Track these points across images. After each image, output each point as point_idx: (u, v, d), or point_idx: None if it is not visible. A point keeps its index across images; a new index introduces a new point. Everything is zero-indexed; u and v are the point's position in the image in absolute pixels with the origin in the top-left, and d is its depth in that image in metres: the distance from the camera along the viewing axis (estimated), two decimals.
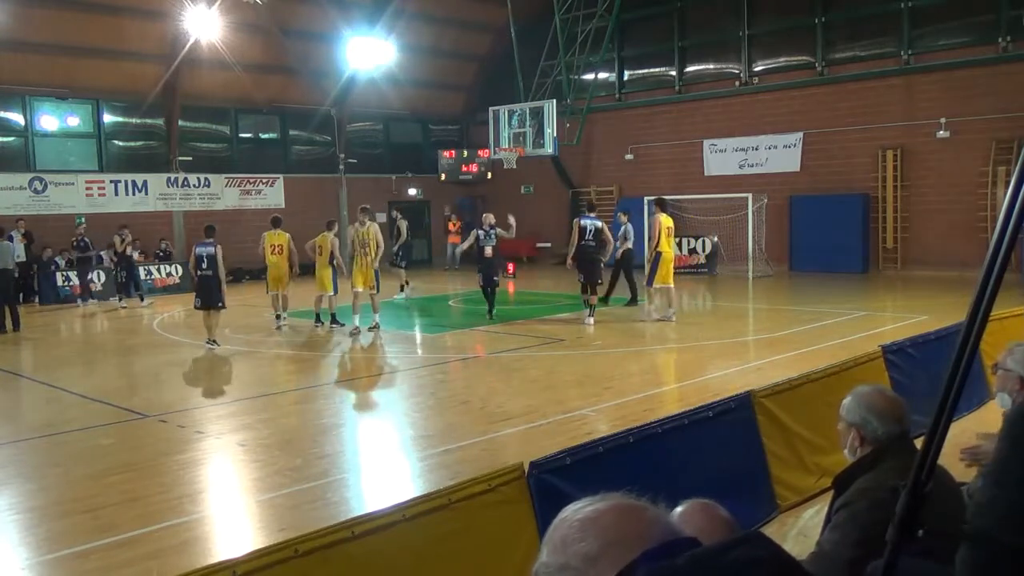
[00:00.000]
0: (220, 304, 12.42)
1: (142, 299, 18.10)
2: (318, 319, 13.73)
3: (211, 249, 12.46)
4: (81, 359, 12.39)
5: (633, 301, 15.17)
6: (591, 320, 13.17)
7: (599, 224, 13.76)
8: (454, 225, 25.90)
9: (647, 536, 0.99)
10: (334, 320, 13.61)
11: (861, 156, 20.83)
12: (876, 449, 2.78)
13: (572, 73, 22.55)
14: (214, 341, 12.11)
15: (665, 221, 13.66)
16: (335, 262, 13.62)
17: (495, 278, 13.89)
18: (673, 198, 23.00)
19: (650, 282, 13.61)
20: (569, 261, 13.58)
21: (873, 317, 13.27)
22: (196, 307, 12.48)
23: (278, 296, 13.90)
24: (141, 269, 20.03)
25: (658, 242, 13.51)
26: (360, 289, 12.88)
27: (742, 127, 22.78)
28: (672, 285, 13.62)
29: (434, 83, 27.32)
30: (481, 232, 13.90)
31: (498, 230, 13.92)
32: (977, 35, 19.28)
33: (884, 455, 2.74)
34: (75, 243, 18.52)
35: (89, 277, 18.80)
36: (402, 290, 17.58)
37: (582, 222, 13.71)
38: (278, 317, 13.94)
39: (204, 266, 12.32)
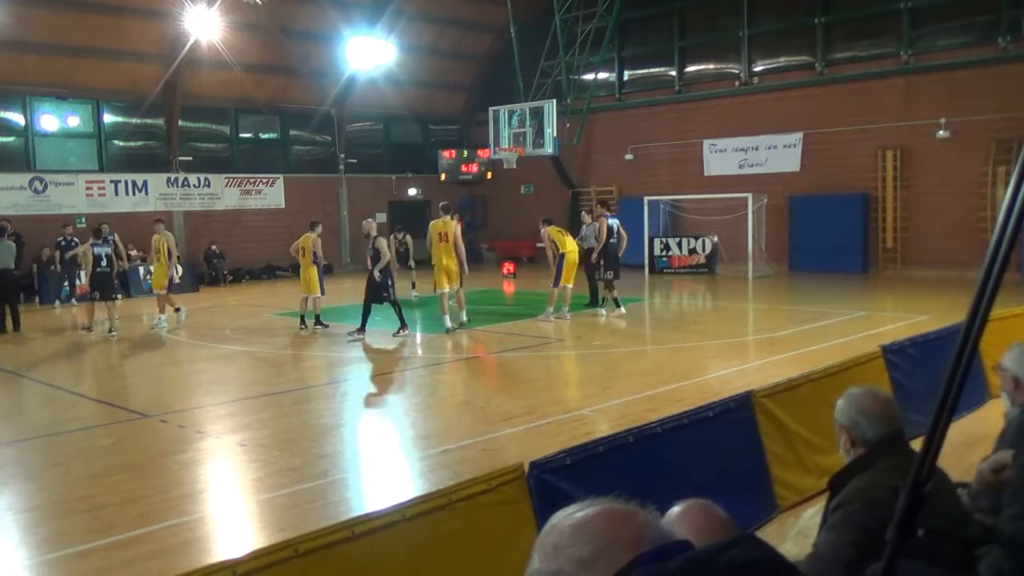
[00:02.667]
0: (115, 296, 14.29)
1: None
2: (302, 321, 13.65)
3: (108, 249, 14.14)
4: (81, 359, 12.39)
5: (593, 303, 15.29)
6: (603, 312, 13.86)
7: (618, 222, 14.46)
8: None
9: (640, 540, 0.99)
10: (318, 321, 13.53)
11: (861, 156, 20.83)
12: (869, 450, 2.78)
13: (572, 73, 22.53)
14: (112, 330, 13.59)
15: (553, 232, 14.15)
16: (319, 262, 13.64)
17: (383, 294, 12.49)
18: (673, 198, 23.10)
19: (556, 282, 13.75)
20: (595, 257, 14.07)
21: (873, 317, 13.27)
22: (94, 299, 14.01)
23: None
24: (140, 269, 20.01)
25: (558, 248, 13.89)
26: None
27: (742, 127, 22.78)
28: (570, 286, 13.86)
29: (434, 83, 27.33)
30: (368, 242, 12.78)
31: (380, 239, 12.70)
32: (977, 35, 19.27)
33: (878, 456, 2.75)
34: (60, 243, 18.13)
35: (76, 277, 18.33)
36: (413, 287, 17.94)
37: (608, 221, 14.14)
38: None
39: (103, 264, 13.89)
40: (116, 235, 16.94)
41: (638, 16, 24.15)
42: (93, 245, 14.05)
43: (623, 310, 13.94)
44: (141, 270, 19.91)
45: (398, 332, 12.44)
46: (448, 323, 12.90)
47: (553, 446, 5.22)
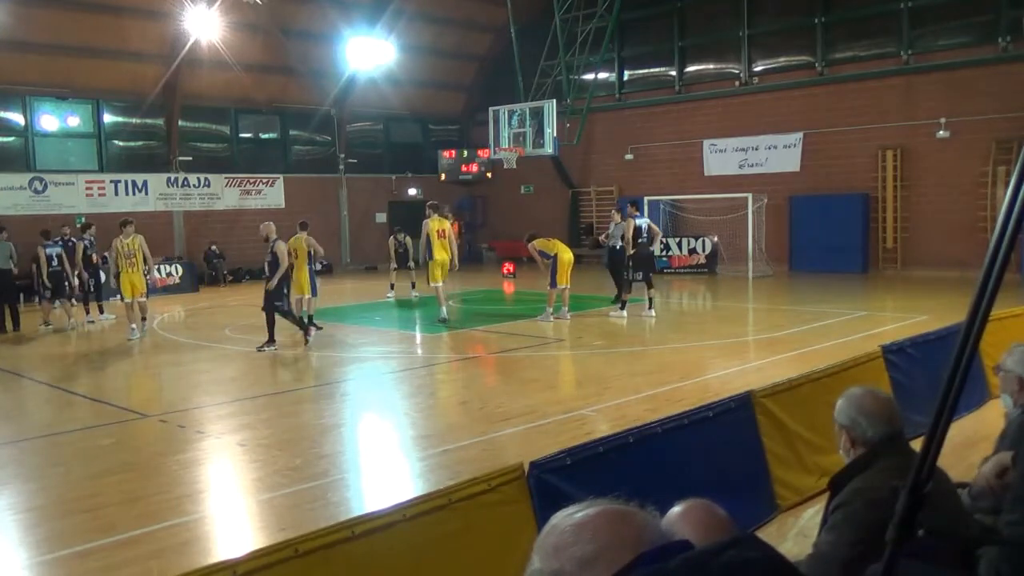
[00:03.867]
0: (70, 295, 14.84)
1: (101, 311, 15.76)
2: (302, 322, 13.57)
3: (59, 249, 14.71)
4: (81, 359, 12.38)
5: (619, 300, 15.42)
6: (652, 312, 13.93)
7: (648, 221, 14.48)
8: (454, 226, 25.87)
9: (640, 540, 0.99)
10: (310, 322, 13.28)
11: (861, 156, 20.83)
12: (870, 450, 2.78)
13: (572, 73, 22.55)
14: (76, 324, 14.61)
15: (539, 243, 14.27)
16: (312, 264, 13.46)
17: (276, 302, 11.70)
18: (673, 198, 23.10)
19: (553, 284, 13.82)
20: (628, 253, 14.09)
21: (873, 317, 13.27)
22: (47, 298, 14.76)
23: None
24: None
25: (547, 254, 14.02)
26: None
27: (742, 127, 22.78)
28: (568, 286, 13.94)
29: (434, 83, 27.33)
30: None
31: (279, 243, 11.78)
32: (977, 35, 19.28)
33: (878, 456, 2.74)
34: (59, 243, 16.97)
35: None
36: (413, 287, 17.87)
37: (637, 222, 14.07)
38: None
39: (55, 264, 14.61)
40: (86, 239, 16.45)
41: (638, 16, 24.14)
42: (44, 247, 14.53)
43: (625, 313, 13.92)
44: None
45: (307, 343, 11.71)
46: (444, 313, 13.73)
47: (553, 446, 5.22)
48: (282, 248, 11.76)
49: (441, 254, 13.70)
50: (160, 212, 22.48)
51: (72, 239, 17.26)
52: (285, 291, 11.82)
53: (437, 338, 13.12)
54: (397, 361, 11.35)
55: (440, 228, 13.83)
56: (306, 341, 11.93)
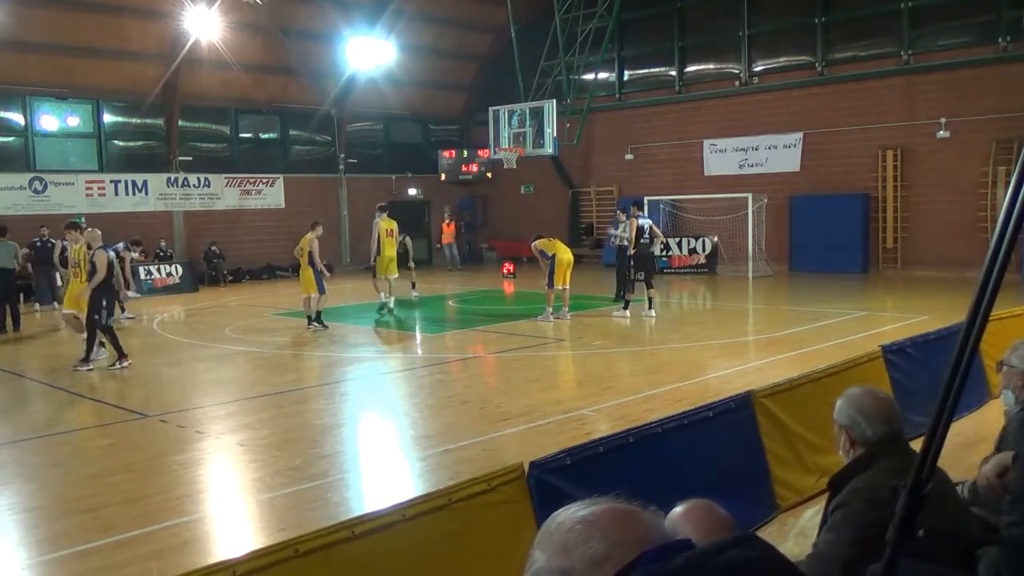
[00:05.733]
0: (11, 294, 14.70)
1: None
2: (310, 321, 13.53)
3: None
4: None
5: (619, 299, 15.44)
6: (652, 312, 13.93)
7: (651, 222, 14.56)
8: (449, 226, 25.93)
9: (647, 539, 0.99)
10: (318, 319, 13.31)
11: (861, 156, 20.83)
12: (869, 450, 2.78)
13: (572, 73, 22.54)
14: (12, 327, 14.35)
15: (541, 243, 14.27)
16: (315, 264, 13.31)
17: (94, 316, 10.56)
18: (673, 198, 23.11)
19: (550, 284, 13.82)
20: (629, 252, 14.12)
21: (873, 317, 13.27)
22: None
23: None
24: (141, 269, 20.01)
25: (546, 253, 14.03)
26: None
27: (742, 127, 22.78)
28: (567, 287, 13.94)
29: (434, 83, 27.32)
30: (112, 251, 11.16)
31: (99, 252, 10.57)
32: (977, 35, 19.28)
33: (877, 456, 2.74)
34: (36, 243, 16.87)
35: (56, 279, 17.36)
36: (414, 287, 17.80)
37: (639, 222, 14.06)
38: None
39: None
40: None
41: (638, 16, 24.14)
42: None
43: (627, 313, 13.90)
44: (142, 271, 19.90)
45: (115, 364, 10.68)
46: (391, 303, 15.09)
47: (553, 446, 5.22)
48: (102, 258, 10.50)
49: (390, 251, 15.06)
50: (160, 212, 22.47)
51: (51, 240, 17.01)
52: (104, 304, 10.60)
53: (437, 338, 13.12)
54: (397, 361, 11.35)
55: (388, 228, 15.14)
56: (114, 363, 10.70)
